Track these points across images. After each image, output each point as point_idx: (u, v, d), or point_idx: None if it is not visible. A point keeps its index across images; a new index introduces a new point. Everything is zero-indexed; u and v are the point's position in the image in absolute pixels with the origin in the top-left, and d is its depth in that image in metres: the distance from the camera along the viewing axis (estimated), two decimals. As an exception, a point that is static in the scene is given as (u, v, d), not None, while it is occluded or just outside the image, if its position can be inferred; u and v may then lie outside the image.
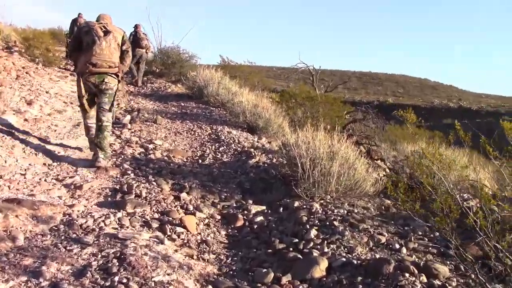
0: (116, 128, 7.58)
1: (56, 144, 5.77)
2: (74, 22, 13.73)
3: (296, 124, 8.65)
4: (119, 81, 5.64)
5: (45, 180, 4.56)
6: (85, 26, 5.53)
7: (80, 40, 5.42)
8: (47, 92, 8.95)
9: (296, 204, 4.54)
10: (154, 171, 5.41)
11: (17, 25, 24.17)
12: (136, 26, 13.13)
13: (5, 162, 4.68)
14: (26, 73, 10.29)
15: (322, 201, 4.63)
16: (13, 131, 5.63)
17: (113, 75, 5.45)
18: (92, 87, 5.40)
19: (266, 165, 5.99)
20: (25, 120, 6.33)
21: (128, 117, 8.27)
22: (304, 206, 4.48)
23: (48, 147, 5.55)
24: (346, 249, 3.59)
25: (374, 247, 3.68)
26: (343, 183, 4.66)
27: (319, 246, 3.63)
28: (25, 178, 4.46)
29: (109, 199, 4.37)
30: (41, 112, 7.21)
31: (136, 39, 12.58)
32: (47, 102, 8.16)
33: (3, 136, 5.30)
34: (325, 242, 3.70)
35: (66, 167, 5.05)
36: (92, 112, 5.61)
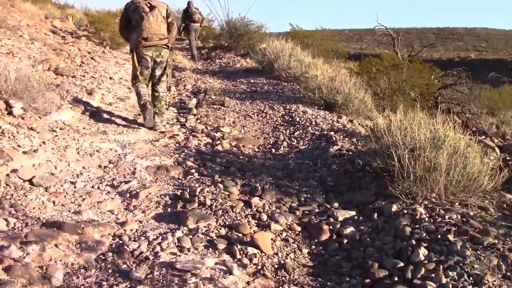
0: (181, 115, 6.99)
1: (115, 140, 5.22)
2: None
3: (381, 98, 7.62)
4: (170, 51, 6.03)
5: (98, 188, 3.99)
6: (131, 4, 5.78)
7: (129, 19, 5.78)
8: (110, 78, 8.52)
9: (394, 208, 3.65)
10: (221, 167, 4.71)
11: (91, 8, 24.55)
12: (188, 3, 13.60)
13: (55, 168, 4.16)
14: (91, 58, 9.95)
15: (426, 202, 3.70)
16: (68, 128, 5.13)
17: (165, 47, 5.85)
18: (149, 61, 5.76)
19: (350, 153, 5.09)
20: (83, 113, 5.84)
21: (194, 100, 7.63)
22: (405, 211, 3.59)
23: (105, 144, 5.00)
24: (471, 278, 2.69)
25: (509, 273, 2.75)
26: (455, 179, 3.68)
27: (433, 275, 2.75)
28: (74, 187, 3.91)
29: (169, 209, 3.72)
30: (102, 102, 6.73)
31: (188, 14, 13.34)
32: (110, 89, 7.71)
33: (55, 136, 4.80)
34: (441, 267, 2.81)
35: (124, 169, 4.47)
36: (144, 89, 5.87)
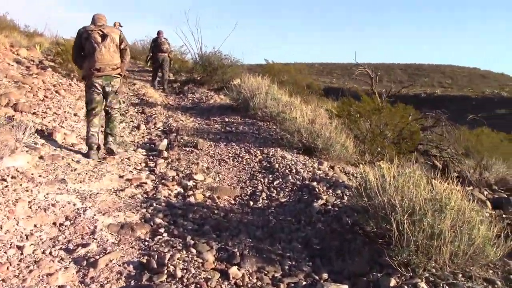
0: (150, 158, 6.46)
1: (75, 191, 4.63)
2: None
3: (361, 142, 7.27)
4: (122, 77, 6.18)
5: (50, 253, 3.42)
6: (84, 32, 5.83)
7: (82, 47, 5.87)
8: (75, 115, 7.95)
9: (393, 282, 3.20)
10: (194, 225, 4.20)
11: (63, 36, 23.82)
12: (158, 32, 13.62)
13: (1, 229, 3.57)
14: (56, 92, 9.38)
15: (427, 275, 3.26)
16: (21, 176, 4.53)
17: (117, 76, 5.99)
18: (99, 89, 5.87)
19: (336, 208, 4.65)
20: (40, 158, 5.24)
21: (165, 141, 7.11)
22: (405, 286, 3.14)
23: (63, 196, 4.41)
24: None
25: None
26: (461, 249, 3.26)
27: None
28: (21, 254, 3.32)
29: (132, 282, 3.18)
30: (64, 144, 6.15)
31: (157, 44, 13.38)
32: (74, 128, 7.14)
33: (5, 187, 4.20)
34: None
35: (82, 227, 3.89)
36: (96, 121, 5.92)
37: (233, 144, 7.17)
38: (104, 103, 6.06)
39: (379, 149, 7.18)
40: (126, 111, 9.71)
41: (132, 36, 25.73)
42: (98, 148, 5.94)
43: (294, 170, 5.88)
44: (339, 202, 4.82)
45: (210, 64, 14.50)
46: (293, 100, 9.60)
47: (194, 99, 12.29)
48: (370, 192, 3.89)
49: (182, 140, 7.29)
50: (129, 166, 5.91)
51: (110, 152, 6.05)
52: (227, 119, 9.10)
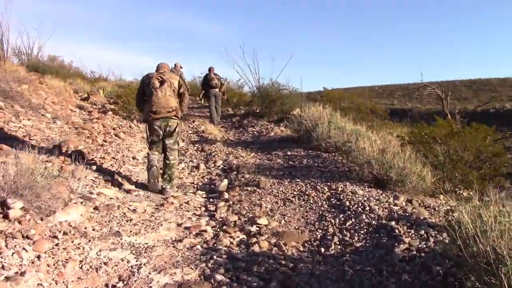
0: (210, 200, 6.09)
1: (129, 245, 4.29)
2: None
3: (439, 169, 6.54)
4: (179, 119, 6.41)
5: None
6: (146, 79, 6.30)
7: (144, 92, 6.33)
8: (134, 158, 7.78)
9: None
10: (259, 282, 3.69)
11: (127, 78, 24.57)
12: (209, 69, 14.00)
13: (47, 296, 3.24)
14: (116, 135, 9.33)
15: None
16: (74, 232, 4.24)
17: (174, 117, 6.25)
18: (159, 130, 6.22)
19: (423, 254, 4.00)
20: (95, 208, 4.97)
21: (225, 181, 6.73)
22: None
23: (116, 253, 4.06)
24: None
25: None
26: None
27: None
28: (69, 325, 2.96)
29: None
30: (120, 191, 5.91)
31: (207, 81, 13.81)
32: (132, 172, 6.92)
33: (56, 245, 3.90)
34: None
35: (136, 289, 3.51)
36: (156, 152, 6.33)
37: (298, 180, 6.66)
38: (163, 144, 6.32)
39: (460, 177, 6.42)
40: (186, 150, 9.49)
41: (191, 73, 26.06)
42: (157, 170, 6.29)
43: (367, 208, 5.28)
44: (424, 246, 4.15)
45: (268, 96, 14.20)
46: (358, 128, 9.01)
47: (254, 132, 11.95)
48: (465, 235, 3.24)
49: (243, 178, 6.88)
50: (188, 211, 5.54)
51: (164, 191, 6.19)
52: (289, 153, 8.64)
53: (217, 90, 13.78)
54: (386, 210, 5.23)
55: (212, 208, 5.70)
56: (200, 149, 9.64)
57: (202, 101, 14.91)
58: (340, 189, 6.08)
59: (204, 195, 6.39)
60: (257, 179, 6.64)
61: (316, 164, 7.53)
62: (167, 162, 6.30)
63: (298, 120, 9.86)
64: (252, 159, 8.51)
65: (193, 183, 7.01)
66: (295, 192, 6.15)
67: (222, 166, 8.05)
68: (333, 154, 8.31)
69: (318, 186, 6.28)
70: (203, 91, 14.18)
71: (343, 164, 7.51)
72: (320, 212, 5.39)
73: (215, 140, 10.65)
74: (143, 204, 5.51)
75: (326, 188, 6.19)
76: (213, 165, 8.12)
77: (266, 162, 8.07)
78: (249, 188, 6.39)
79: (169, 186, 6.24)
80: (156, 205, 5.58)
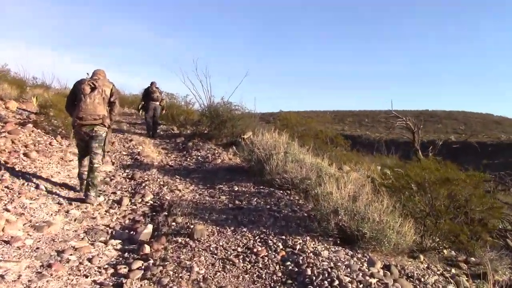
0: (124, 256, 4.50)
1: None
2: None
3: (421, 224, 5.23)
4: (108, 128, 6.34)
5: None
6: (78, 84, 6.23)
7: (75, 97, 6.23)
8: (37, 187, 6.07)
9: None
10: None
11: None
12: (151, 83, 13.68)
13: None
14: (24, 154, 7.56)
15: None
16: None
17: (100, 125, 6.16)
18: (84, 136, 6.19)
19: None
20: None
21: (149, 228, 5.13)
22: None
23: None
24: None
25: None
26: None
27: None
28: None
29: None
30: (2, 237, 4.23)
31: (148, 93, 13.52)
32: (25, 209, 5.23)
33: None
34: None
35: None
36: (85, 162, 6.34)
37: (244, 229, 5.17)
38: (89, 150, 6.22)
39: (446, 233, 5.14)
40: (112, 177, 7.82)
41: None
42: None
43: (336, 279, 3.85)
44: None
45: (218, 116, 12.68)
46: (319, 162, 7.66)
47: (199, 157, 10.39)
48: None
49: (174, 223, 5.32)
50: (87, 277, 3.92)
51: (87, 198, 6.05)
52: (236, 188, 7.15)
53: (157, 103, 13.56)
54: (360, 282, 3.82)
55: (123, 271, 4.10)
56: (129, 177, 7.99)
57: (141, 112, 14.14)
58: (298, 246, 4.63)
59: (119, 247, 4.79)
60: (192, 226, 5.10)
61: (268, 206, 6.06)
62: (91, 165, 6.19)
63: (250, 148, 8.41)
64: (191, 193, 6.96)
65: (108, 226, 5.38)
66: (239, 249, 4.65)
67: (151, 202, 6.45)
68: (289, 192, 6.89)
69: (270, 241, 4.81)
70: (143, 103, 13.72)
71: (300, 207, 6.10)
72: (272, 285, 3.90)
73: (151, 165, 9.03)
74: (21, 265, 3.85)
75: (280, 244, 4.72)
76: (140, 200, 6.50)
77: (207, 200, 6.53)
78: (179, 239, 4.83)
79: (92, 193, 6.08)
80: (40, 266, 3.94)
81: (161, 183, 7.55)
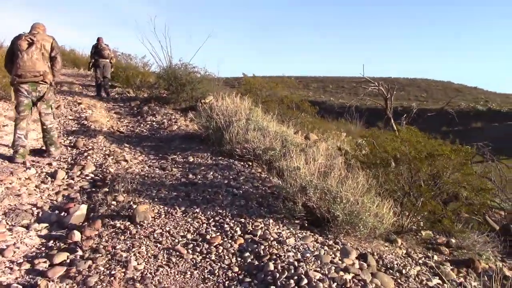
0: (47, 247, 3.69)
1: None
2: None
3: (401, 207, 4.60)
4: (50, 85, 6.05)
5: None
6: (16, 39, 5.88)
7: (12, 53, 5.88)
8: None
9: None
10: None
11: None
12: (98, 39, 12.94)
13: None
14: None
15: None
16: None
17: (42, 82, 5.90)
18: (26, 94, 5.84)
19: None
20: None
21: (83, 208, 4.32)
22: None
23: None
24: None
25: None
26: None
27: None
28: None
29: None
30: None
31: (98, 50, 12.75)
32: None
33: None
34: None
35: None
36: (23, 124, 5.90)
37: (197, 210, 4.41)
38: (35, 110, 6.07)
39: (427, 214, 4.54)
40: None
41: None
42: (24, 151, 5.85)
43: (304, 277, 3.17)
44: None
45: (176, 79, 11.71)
46: (284, 130, 6.93)
47: (154, 123, 9.51)
48: None
49: (114, 202, 4.52)
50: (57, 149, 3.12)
51: (49, 154, 6.16)
52: (191, 159, 6.35)
53: (107, 60, 12.86)
54: (334, 281, 3.15)
55: (42, 267, 3.30)
56: (71, 145, 7.07)
57: (92, 70, 13.46)
58: (259, 232, 3.92)
59: (44, 232, 3.98)
60: (135, 207, 4.31)
61: (226, 181, 5.31)
62: (44, 127, 6.09)
63: (208, 114, 7.58)
64: (139, 165, 6.13)
65: (35, 205, 4.53)
66: (189, 235, 3.89)
67: (92, 175, 5.59)
68: (250, 164, 6.17)
69: (226, 225, 4.08)
70: (93, 61, 12.92)
71: (263, 182, 5.39)
72: (226, 284, 3.19)
73: (98, 132, 8.10)
74: None
75: (238, 229, 4.00)
76: (79, 172, 5.63)
77: (156, 173, 5.72)
78: (118, 223, 4.04)
79: (53, 148, 6.17)
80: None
81: (107, 152, 6.67)
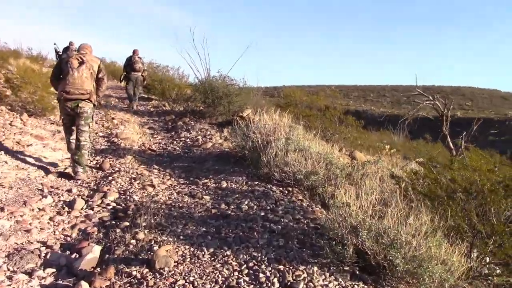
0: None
1: None
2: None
3: (471, 246, 3.80)
4: (94, 105, 6.21)
5: None
6: (65, 57, 6.18)
7: (60, 70, 6.07)
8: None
9: None
10: None
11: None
12: (133, 51, 12.93)
13: None
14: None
15: None
16: None
17: (87, 101, 6.02)
18: (69, 111, 6.00)
19: None
20: None
21: (96, 250, 3.73)
22: None
23: None
24: None
25: None
26: None
27: None
28: None
29: None
30: None
31: (130, 63, 12.76)
32: None
33: None
34: None
35: None
36: (71, 135, 6.21)
37: (228, 252, 3.75)
38: (76, 127, 6.13)
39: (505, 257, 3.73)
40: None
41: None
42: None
43: None
44: None
45: (212, 91, 11.16)
46: (328, 150, 6.21)
47: (187, 140, 8.97)
48: None
49: (133, 242, 3.91)
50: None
51: (76, 174, 6.02)
52: (224, 184, 5.71)
53: (139, 74, 12.88)
54: None
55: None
56: (98, 166, 6.59)
57: (123, 83, 13.58)
58: (302, 285, 3.22)
59: (49, 281, 3.41)
60: (156, 248, 3.70)
61: (263, 213, 4.63)
62: (77, 143, 6.13)
63: (244, 132, 6.95)
64: (167, 191, 5.54)
65: (45, 243, 3.99)
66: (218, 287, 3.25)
67: (114, 204, 5.04)
68: (290, 190, 5.47)
69: (261, 273, 3.39)
70: (125, 73, 13.05)
71: (305, 213, 4.68)
72: None
73: (128, 150, 7.62)
74: None
75: (276, 280, 3.30)
76: (99, 201, 5.09)
77: (185, 201, 5.10)
78: (134, 271, 3.42)
79: (80, 169, 6.05)
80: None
81: (134, 175, 6.14)
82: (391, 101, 56.23)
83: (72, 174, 6.01)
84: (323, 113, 10.68)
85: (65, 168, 6.40)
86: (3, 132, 7.13)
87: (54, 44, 17.79)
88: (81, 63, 6.00)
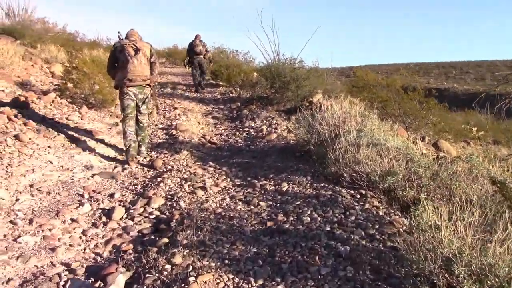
0: None
1: None
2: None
3: None
4: (151, 87, 6.40)
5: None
6: (119, 46, 6.12)
7: (116, 59, 6.16)
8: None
9: None
10: None
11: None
12: (195, 36, 13.02)
13: None
14: (16, 137, 5.83)
15: None
16: None
17: (146, 86, 6.28)
18: (133, 96, 6.16)
19: None
20: None
21: (120, 281, 3.10)
22: None
23: None
24: None
25: None
26: None
27: None
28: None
29: None
30: None
31: (191, 48, 12.96)
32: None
33: None
34: None
35: None
36: (132, 122, 6.26)
37: (279, 286, 2.98)
38: (137, 111, 6.29)
39: None
40: (124, 168, 5.94)
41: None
42: (135, 146, 6.27)
43: None
44: None
45: (279, 76, 10.34)
46: (409, 143, 5.22)
47: (251, 130, 8.27)
48: None
49: (167, 267, 3.24)
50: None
51: (140, 153, 6.38)
52: (285, 186, 4.91)
53: (201, 57, 13.07)
54: None
55: None
56: (150, 164, 6.06)
57: (187, 67, 13.78)
58: None
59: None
60: (192, 279, 3.00)
61: (328, 228, 3.78)
62: (140, 125, 6.37)
63: (309, 123, 6.10)
64: (219, 195, 4.84)
65: (69, 266, 3.42)
66: None
67: (157, 213, 4.42)
68: (363, 193, 4.58)
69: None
70: (188, 58, 13.25)
71: (381, 228, 3.78)
72: None
73: (186, 144, 7.06)
74: None
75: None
76: (142, 209, 4.49)
77: (237, 210, 4.37)
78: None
79: (143, 147, 6.43)
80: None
81: (186, 175, 5.53)
82: (475, 77, 52.45)
83: (135, 156, 6.24)
84: (401, 97, 9.49)
85: (115, 167, 5.92)
86: (56, 128, 6.78)
87: (118, 32, 17.83)
88: (137, 50, 6.07)
